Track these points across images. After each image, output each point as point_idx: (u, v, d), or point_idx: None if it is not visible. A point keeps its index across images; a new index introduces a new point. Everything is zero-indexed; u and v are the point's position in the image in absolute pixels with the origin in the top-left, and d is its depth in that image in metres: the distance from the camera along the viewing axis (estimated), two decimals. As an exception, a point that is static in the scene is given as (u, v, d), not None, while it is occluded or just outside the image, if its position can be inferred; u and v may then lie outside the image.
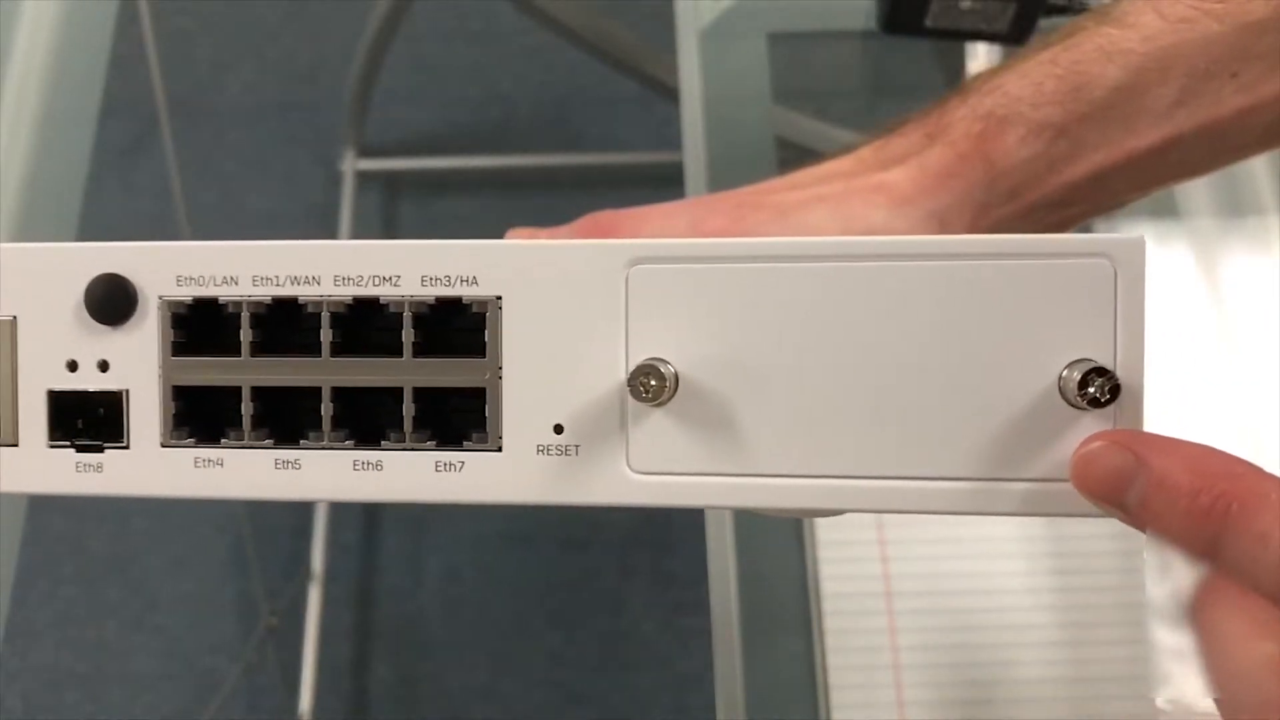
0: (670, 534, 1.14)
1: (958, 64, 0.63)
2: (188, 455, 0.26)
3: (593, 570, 1.14)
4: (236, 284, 0.26)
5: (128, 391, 0.26)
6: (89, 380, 0.26)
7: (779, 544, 0.55)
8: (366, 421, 0.26)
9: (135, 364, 0.26)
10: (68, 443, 0.26)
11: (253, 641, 1.10)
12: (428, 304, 0.25)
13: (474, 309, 0.25)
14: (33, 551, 1.12)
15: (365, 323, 0.26)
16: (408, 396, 0.25)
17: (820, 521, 0.55)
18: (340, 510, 1.14)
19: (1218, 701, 0.21)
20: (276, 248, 0.26)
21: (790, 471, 0.25)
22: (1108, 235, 0.24)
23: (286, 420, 0.26)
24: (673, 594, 1.12)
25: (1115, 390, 0.23)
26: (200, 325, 0.26)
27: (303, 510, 1.13)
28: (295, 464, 0.26)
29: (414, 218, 1.29)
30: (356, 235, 1.24)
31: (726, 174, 0.59)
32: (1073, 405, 0.24)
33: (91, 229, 0.53)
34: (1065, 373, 0.24)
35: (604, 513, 1.04)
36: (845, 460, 0.25)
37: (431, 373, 0.25)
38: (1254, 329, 0.58)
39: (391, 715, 1.11)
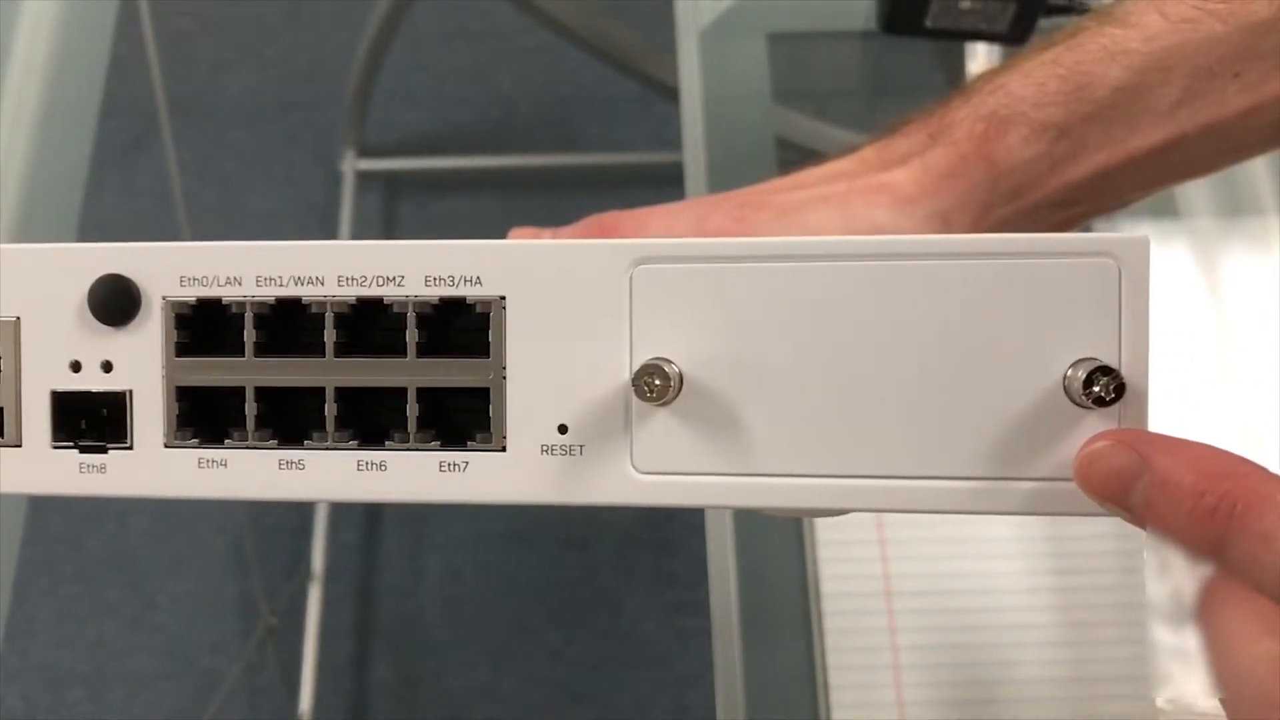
0: (670, 534, 1.14)
1: (958, 64, 0.63)
2: (191, 456, 0.26)
3: (593, 570, 1.14)
4: (240, 284, 0.26)
5: (131, 392, 0.26)
6: (92, 381, 0.26)
7: (779, 544, 0.55)
8: (370, 422, 0.26)
9: (139, 364, 0.26)
10: (71, 443, 0.26)
11: (253, 641, 1.09)
12: (431, 304, 0.25)
13: (478, 309, 0.25)
14: (33, 551, 1.12)
15: (369, 323, 0.26)
16: (412, 397, 0.25)
17: (820, 521, 0.55)
18: (340, 509, 1.14)
19: (1222, 701, 0.21)
20: (280, 248, 0.26)
21: (795, 471, 0.25)
22: (1112, 235, 0.24)
23: (290, 421, 0.26)
24: (673, 594, 1.12)
25: (1120, 389, 0.23)
26: (204, 325, 0.26)
27: (303, 510, 1.13)
28: (299, 464, 0.26)
29: (414, 218, 1.29)
30: (357, 235, 1.23)
31: (726, 174, 0.59)
32: (1077, 404, 0.24)
33: (91, 229, 0.53)
34: (1070, 372, 0.24)
35: (605, 512, 1.04)
36: (850, 460, 0.25)
37: (435, 373, 0.25)
38: (1254, 329, 0.58)
39: (392, 715, 1.11)
